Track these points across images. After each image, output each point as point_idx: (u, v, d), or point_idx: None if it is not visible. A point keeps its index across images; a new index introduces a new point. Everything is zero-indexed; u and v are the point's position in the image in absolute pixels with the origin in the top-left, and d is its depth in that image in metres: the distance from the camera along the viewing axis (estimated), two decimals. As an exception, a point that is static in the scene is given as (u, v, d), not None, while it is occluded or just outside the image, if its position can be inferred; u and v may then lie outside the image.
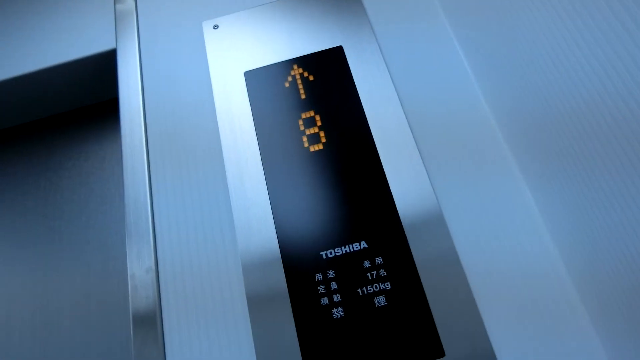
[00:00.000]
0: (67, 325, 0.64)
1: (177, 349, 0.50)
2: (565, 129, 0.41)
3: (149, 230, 0.56)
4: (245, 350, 0.49)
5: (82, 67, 0.72)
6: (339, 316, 0.48)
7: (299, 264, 0.50)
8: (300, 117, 0.59)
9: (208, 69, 0.65)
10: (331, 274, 0.50)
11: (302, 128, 0.58)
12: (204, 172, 0.59)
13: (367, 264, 0.50)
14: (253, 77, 0.62)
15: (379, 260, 0.50)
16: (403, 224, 0.51)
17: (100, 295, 0.65)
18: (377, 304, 0.48)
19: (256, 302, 0.49)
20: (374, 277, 0.49)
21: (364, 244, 0.51)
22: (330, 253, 0.51)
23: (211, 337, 0.50)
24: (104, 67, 0.72)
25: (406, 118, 0.57)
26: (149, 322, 0.51)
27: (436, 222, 0.51)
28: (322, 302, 0.49)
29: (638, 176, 0.34)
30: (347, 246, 0.51)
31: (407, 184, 0.53)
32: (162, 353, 0.50)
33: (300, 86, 0.61)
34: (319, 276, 0.50)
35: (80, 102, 0.79)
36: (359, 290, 0.49)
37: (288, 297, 0.49)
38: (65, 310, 0.65)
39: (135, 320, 0.52)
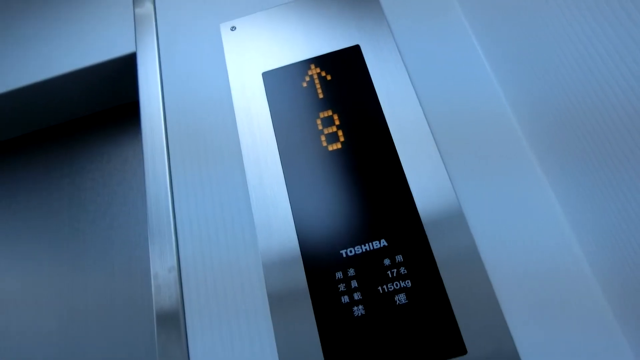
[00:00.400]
0: (92, 325, 0.65)
1: (200, 347, 0.51)
2: (588, 125, 0.41)
3: (170, 230, 0.56)
4: (267, 348, 0.49)
5: (102, 71, 0.73)
6: (359, 314, 0.48)
7: (319, 263, 0.51)
8: (318, 117, 0.59)
9: (226, 70, 0.66)
10: (351, 272, 0.50)
11: (320, 127, 0.58)
12: (224, 171, 0.60)
13: (387, 262, 0.50)
14: (271, 78, 0.63)
15: (399, 258, 0.50)
16: (423, 222, 0.51)
17: (124, 294, 0.66)
18: (397, 301, 0.48)
19: (277, 300, 0.50)
20: (394, 275, 0.49)
21: (383, 242, 0.51)
22: (350, 251, 0.51)
23: (233, 335, 0.51)
24: (124, 70, 0.73)
25: (424, 116, 0.57)
26: (173, 321, 0.52)
27: (456, 220, 0.51)
28: (343, 300, 0.49)
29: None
30: (367, 244, 0.51)
31: (426, 181, 0.53)
32: (186, 351, 0.51)
33: (318, 86, 0.61)
34: (339, 274, 0.50)
35: (101, 106, 0.80)
36: (380, 288, 0.49)
37: (309, 295, 0.49)
38: (90, 310, 0.66)
39: (159, 319, 0.52)
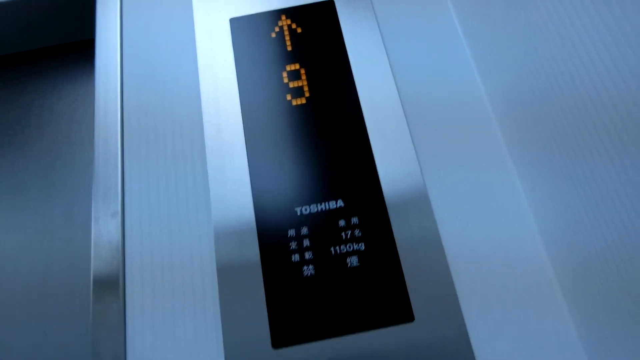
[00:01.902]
0: (24, 268, 0.61)
1: (139, 300, 0.48)
2: (558, 120, 0.40)
3: (117, 174, 0.53)
4: (210, 302, 0.47)
5: (60, 1, 0.68)
6: (309, 274, 0.46)
7: (271, 218, 0.49)
8: (284, 69, 0.56)
9: (192, 13, 0.62)
10: (304, 230, 0.48)
11: (285, 81, 0.55)
12: (180, 118, 0.56)
13: (342, 223, 0.48)
14: (239, 25, 0.59)
15: (354, 220, 0.48)
16: (382, 187, 0.50)
17: (62, 237, 0.62)
18: (349, 264, 0.46)
19: (224, 252, 0.48)
20: (348, 236, 0.47)
21: (340, 203, 0.49)
22: (305, 209, 0.49)
23: (176, 283, 0.48)
24: (82, 3, 0.68)
25: (395, 82, 0.55)
26: (111, 270, 0.49)
27: (416, 189, 0.50)
28: (293, 258, 0.47)
29: (625, 171, 0.32)
30: (323, 203, 0.49)
31: (390, 147, 0.51)
32: (123, 303, 0.48)
33: (287, 38, 0.58)
34: (291, 232, 0.48)
35: (56, 39, 0.75)
36: (332, 249, 0.47)
37: (258, 252, 0.47)
38: (24, 252, 0.62)
39: (96, 267, 0.49)
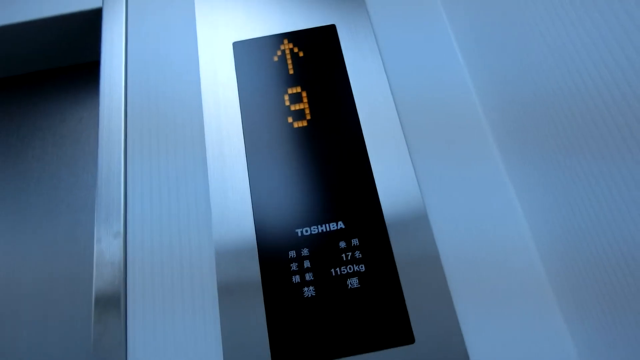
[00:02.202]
0: (27, 288, 0.62)
1: (140, 319, 0.48)
2: (552, 125, 0.40)
3: (120, 195, 0.53)
4: (211, 320, 0.47)
5: (65, 24, 0.69)
6: (309, 295, 0.46)
7: (273, 239, 0.49)
8: (286, 92, 0.57)
9: (196, 36, 0.63)
10: (305, 252, 0.48)
11: (287, 103, 0.56)
12: (183, 141, 0.57)
13: (342, 244, 0.48)
14: (242, 48, 0.61)
15: (355, 241, 0.48)
16: (383, 208, 0.50)
17: (65, 259, 0.63)
18: (349, 285, 0.47)
19: (226, 274, 0.48)
20: (349, 258, 0.48)
21: (340, 224, 0.49)
22: (306, 231, 0.49)
23: (176, 302, 0.48)
24: (88, 26, 0.70)
25: (394, 103, 0.56)
26: (113, 290, 0.49)
27: (416, 210, 0.50)
28: (294, 280, 0.47)
29: (620, 170, 0.33)
30: (323, 225, 0.49)
31: (389, 167, 0.52)
32: (124, 322, 0.48)
33: (289, 61, 0.59)
34: (292, 253, 0.48)
35: (61, 62, 0.76)
36: (332, 270, 0.47)
37: (259, 272, 0.48)
38: (27, 272, 0.62)
39: (98, 287, 0.50)
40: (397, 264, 0.47)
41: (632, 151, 0.31)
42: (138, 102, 0.60)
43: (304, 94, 0.56)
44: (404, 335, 0.44)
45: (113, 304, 0.49)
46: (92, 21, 0.69)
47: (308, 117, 0.55)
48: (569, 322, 0.44)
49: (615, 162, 0.34)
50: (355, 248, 0.48)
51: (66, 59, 0.76)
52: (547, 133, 0.42)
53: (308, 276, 0.47)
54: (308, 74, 0.58)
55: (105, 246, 0.51)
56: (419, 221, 0.49)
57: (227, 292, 0.47)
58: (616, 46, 0.31)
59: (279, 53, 0.60)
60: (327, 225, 0.49)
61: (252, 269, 0.48)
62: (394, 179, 0.52)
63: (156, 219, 0.53)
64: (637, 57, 0.30)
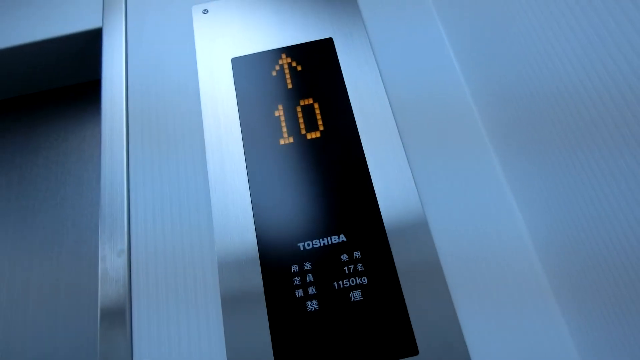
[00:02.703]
0: (33, 306, 0.62)
1: (145, 335, 0.49)
2: (547, 126, 0.41)
3: (123, 213, 0.54)
4: (215, 334, 0.48)
5: (65, 44, 0.70)
6: (313, 309, 0.47)
7: (275, 254, 0.49)
8: (286, 107, 0.57)
9: (195, 54, 0.64)
10: (307, 266, 0.49)
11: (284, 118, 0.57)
12: (185, 158, 0.58)
13: (344, 257, 0.49)
14: (240, 64, 0.61)
15: (357, 254, 0.49)
16: (384, 220, 0.50)
17: (70, 277, 0.63)
18: (352, 298, 0.47)
19: (229, 288, 0.48)
20: (351, 271, 0.48)
21: (342, 237, 0.50)
22: (308, 245, 0.50)
23: (181, 317, 0.49)
24: (88, 46, 0.70)
25: (392, 112, 0.57)
26: (118, 307, 0.50)
27: (417, 220, 0.50)
28: (297, 294, 0.47)
29: (616, 167, 0.33)
30: (325, 239, 0.50)
31: (389, 177, 0.52)
32: (130, 339, 0.48)
33: (288, 76, 0.60)
34: (295, 268, 0.49)
35: (62, 81, 0.77)
36: (335, 283, 0.48)
37: (262, 286, 0.48)
38: (33, 291, 0.63)
39: (103, 304, 0.50)
40: (399, 275, 0.48)
41: (628, 148, 0.32)
42: (139, 120, 0.61)
43: (299, 109, 0.57)
44: (407, 347, 0.45)
45: (119, 320, 0.49)
46: (92, 41, 0.70)
47: (306, 130, 0.56)
48: (570, 325, 0.45)
49: (611, 160, 0.34)
50: (357, 261, 0.48)
51: (68, 79, 0.77)
52: (543, 134, 0.42)
53: (311, 290, 0.47)
54: (307, 88, 0.58)
55: (110, 264, 0.51)
56: (420, 229, 0.50)
57: (231, 306, 0.48)
58: (608, 44, 0.32)
59: (278, 67, 0.60)
60: (328, 238, 0.50)
61: (256, 284, 0.48)
62: (393, 188, 0.52)
63: (159, 235, 0.53)
64: (628, 56, 0.30)
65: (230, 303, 0.48)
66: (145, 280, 0.51)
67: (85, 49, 0.71)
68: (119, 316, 0.49)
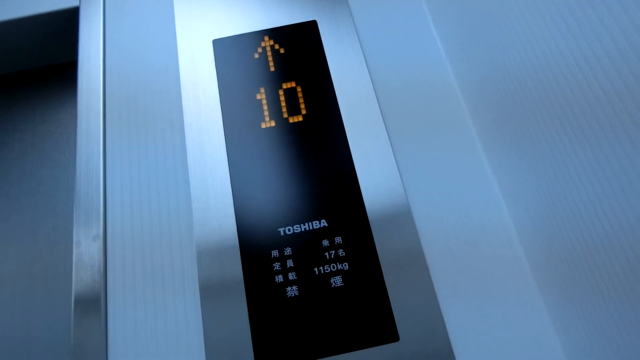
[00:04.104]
0: (7, 292, 0.60)
1: (121, 323, 0.47)
2: (534, 115, 0.40)
3: (99, 197, 0.53)
4: (193, 321, 0.47)
5: (41, 23, 0.67)
6: (293, 295, 0.46)
7: (255, 239, 0.48)
8: (267, 90, 0.56)
9: (175, 35, 0.62)
10: (288, 251, 0.48)
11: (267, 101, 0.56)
12: (163, 142, 0.56)
13: (325, 243, 0.48)
14: (222, 46, 0.60)
15: (338, 240, 0.48)
16: (366, 205, 0.50)
17: (46, 263, 0.61)
18: (333, 284, 0.46)
19: (208, 273, 0.47)
20: (332, 256, 0.47)
21: (324, 223, 0.49)
22: (289, 230, 0.49)
23: (157, 304, 0.48)
24: (65, 25, 0.68)
25: (376, 97, 0.56)
26: (93, 293, 0.48)
27: (399, 206, 0.50)
28: (277, 279, 0.47)
29: (601, 157, 0.33)
30: (306, 224, 0.49)
31: (372, 163, 0.52)
32: (105, 326, 0.47)
33: (270, 58, 0.58)
34: (275, 253, 0.48)
35: (37, 62, 0.75)
36: (316, 269, 0.47)
37: (241, 272, 0.47)
38: (7, 278, 0.61)
39: (77, 290, 0.49)
40: (380, 261, 0.47)
41: (616, 135, 0.31)
42: (116, 102, 0.59)
43: (281, 92, 0.56)
44: (388, 333, 0.44)
45: (93, 307, 0.48)
46: (68, 20, 0.67)
47: (289, 114, 0.54)
48: (552, 313, 0.44)
49: (596, 150, 0.33)
50: (338, 246, 0.48)
51: (43, 60, 0.75)
52: (529, 123, 0.41)
53: (291, 275, 0.47)
54: (289, 71, 0.57)
55: (85, 249, 0.50)
56: (402, 217, 0.49)
57: (209, 293, 0.47)
58: (594, 35, 0.31)
59: (260, 50, 0.59)
60: (310, 223, 0.49)
61: (235, 270, 0.47)
62: (376, 174, 0.51)
63: (136, 220, 0.52)
64: (616, 47, 0.29)
65: (209, 289, 0.47)
66: (122, 266, 0.50)
67: (61, 29, 0.69)
68: (93, 303, 0.48)
